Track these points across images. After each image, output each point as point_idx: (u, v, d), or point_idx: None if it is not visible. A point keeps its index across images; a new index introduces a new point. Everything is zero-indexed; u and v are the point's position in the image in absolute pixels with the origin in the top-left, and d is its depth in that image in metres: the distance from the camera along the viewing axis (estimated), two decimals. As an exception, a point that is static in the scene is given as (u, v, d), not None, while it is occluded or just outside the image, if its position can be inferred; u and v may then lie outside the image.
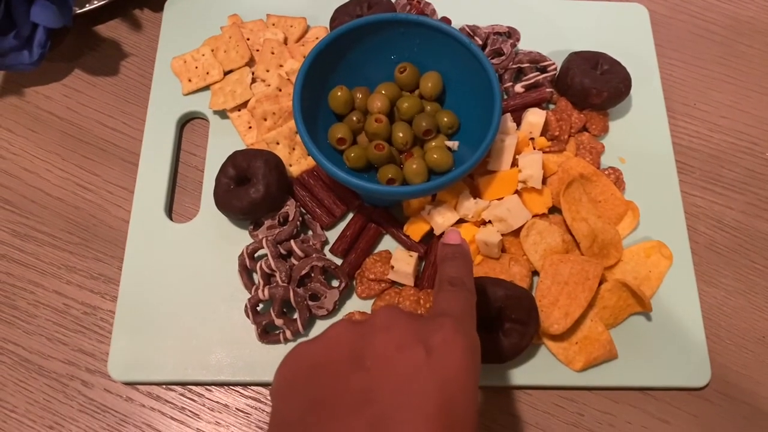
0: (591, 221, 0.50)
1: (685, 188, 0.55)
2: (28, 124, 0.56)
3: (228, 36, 0.57)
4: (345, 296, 0.49)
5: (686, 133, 0.58)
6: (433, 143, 0.49)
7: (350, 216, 0.51)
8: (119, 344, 0.47)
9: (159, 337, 0.47)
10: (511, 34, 0.58)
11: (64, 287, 0.50)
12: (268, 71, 0.55)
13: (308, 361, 0.31)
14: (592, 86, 0.52)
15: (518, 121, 0.53)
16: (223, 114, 0.55)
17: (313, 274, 0.47)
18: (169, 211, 0.53)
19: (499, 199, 0.49)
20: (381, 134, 0.47)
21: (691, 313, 0.49)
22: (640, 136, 0.56)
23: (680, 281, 0.50)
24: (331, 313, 0.47)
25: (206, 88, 0.56)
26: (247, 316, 0.47)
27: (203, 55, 0.56)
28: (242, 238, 0.50)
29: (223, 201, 0.49)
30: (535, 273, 0.49)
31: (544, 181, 0.51)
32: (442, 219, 0.48)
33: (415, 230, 0.49)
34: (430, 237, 0.49)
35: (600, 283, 0.47)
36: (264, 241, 0.48)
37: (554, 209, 0.51)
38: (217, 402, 0.47)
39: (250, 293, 0.47)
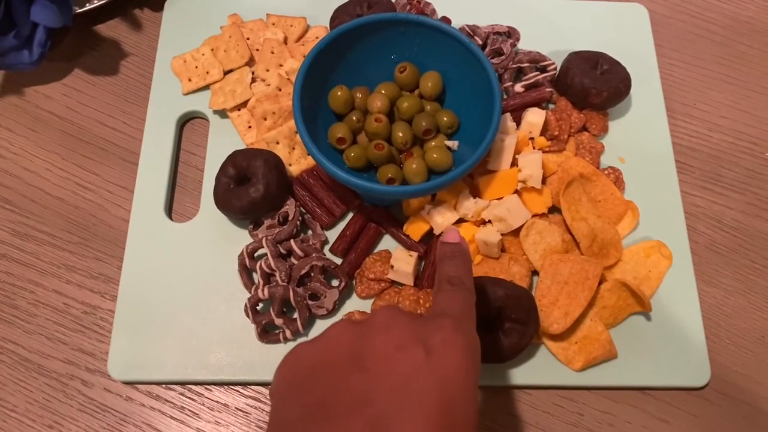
0: (591, 221, 0.50)
1: (685, 188, 0.55)
2: (28, 124, 0.56)
3: (228, 35, 0.57)
4: (345, 296, 0.49)
5: (686, 132, 0.58)
6: (433, 143, 0.49)
7: (350, 215, 0.51)
8: (119, 344, 0.47)
9: (159, 337, 0.47)
10: (511, 33, 0.58)
11: (64, 287, 0.50)
12: (268, 71, 0.55)
13: (308, 362, 0.31)
14: (591, 86, 0.52)
15: (518, 121, 0.53)
16: (223, 113, 0.55)
17: (312, 274, 0.47)
18: (169, 211, 0.53)
19: (498, 199, 0.49)
20: (381, 134, 0.47)
21: (691, 312, 0.50)
22: (639, 136, 0.56)
23: (680, 281, 0.50)
24: (331, 312, 0.47)
25: (206, 87, 0.56)
26: (247, 316, 0.47)
27: (203, 54, 0.56)
28: (242, 238, 0.50)
29: (222, 200, 0.49)
30: (535, 273, 0.49)
31: (543, 181, 0.51)
32: (441, 219, 0.48)
33: (415, 230, 0.49)
34: (429, 237, 0.49)
35: (600, 283, 0.47)
36: (264, 240, 0.48)
37: (554, 209, 0.51)
38: (217, 401, 0.47)
39: (250, 293, 0.47)
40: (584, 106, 0.55)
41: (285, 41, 0.57)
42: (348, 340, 0.31)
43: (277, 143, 0.52)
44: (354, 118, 0.49)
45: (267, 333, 0.47)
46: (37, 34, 0.54)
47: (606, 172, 0.53)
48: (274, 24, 0.58)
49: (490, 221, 0.49)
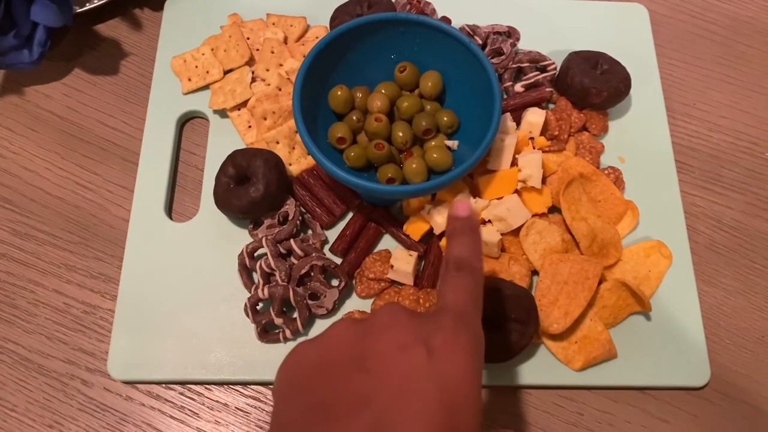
0: (590, 221, 0.50)
1: (685, 188, 0.55)
2: (28, 123, 0.56)
3: (228, 35, 0.57)
4: (344, 295, 0.49)
5: (686, 132, 0.58)
6: (433, 143, 0.49)
7: (350, 215, 0.51)
8: (119, 343, 0.47)
9: (159, 336, 0.47)
10: (511, 33, 0.58)
11: (64, 286, 0.50)
12: (268, 70, 0.55)
13: (309, 362, 0.31)
14: (591, 86, 0.53)
15: (518, 121, 0.53)
16: (222, 113, 0.55)
17: (312, 273, 0.47)
18: (169, 211, 0.53)
19: (498, 199, 0.49)
20: (381, 133, 0.47)
21: (691, 312, 0.50)
22: (639, 136, 0.56)
23: (680, 281, 0.50)
24: (331, 312, 0.47)
25: (206, 87, 0.56)
26: (247, 315, 0.47)
27: (203, 54, 0.56)
28: (242, 238, 0.50)
29: (222, 200, 0.49)
30: (535, 272, 0.49)
31: (543, 181, 0.51)
32: (441, 218, 0.48)
33: (415, 229, 0.49)
34: (429, 236, 0.49)
35: (599, 283, 0.47)
36: (264, 240, 0.48)
37: (554, 209, 0.51)
38: (217, 401, 0.47)
39: (250, 292, 0.47)
40: (584, 106, 0.55)
41: (285, 41, 0.57)
42: (349, 340, 0.31)
43: (277, 143, 0.52)
44: (354, 117, 0.49)
45: (267, 332, 0.47)
46: (37, 34, 0.54)
47: (606, 171, 0.53)
48: (274, 24, 0.58)
49: (490, 221, 0.49)
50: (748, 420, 0.48)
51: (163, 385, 0.47)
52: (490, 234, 0.47)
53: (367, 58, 0.50)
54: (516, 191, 0.50)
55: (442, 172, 0.47)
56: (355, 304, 0.49)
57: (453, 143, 0.49)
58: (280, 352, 0.47)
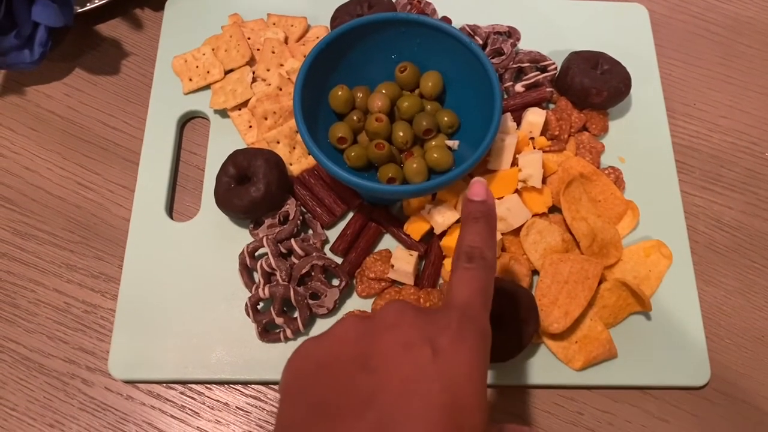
0: (591, 220, 0.50)
1: (685, 188, 0.55)
2: (29, 123, 0.56)
3: (229, 35, 0.57)
4: (345, 295, 0.49)
5: (686, 132, 0.58)
6: (434, 142, 0.49)
7: (350, 215, 0.51)
8: (120, 343, 0.47)
9: (159, 336, 0.47)
10: (512, 33, 0.58)
11: (65, 286, 0.50)
12: (268, 70, 0.55)
13: (314, 360, 0.31)
14: (592, 86, 0.53)
15: (518, 121, 0.53)
16: (223, 113, 0.55)
17: (313, 273, 0.47)
18: (170, 210, 0.53)
19: (499, 199, 0.49)
20: (381, 133, 0.47)
21: (691, 312, 0.50)
22: (639, 136, 0.56)
23: (680, 280, 0.51)
24: (332, 311, 0.47)
25: (207, 87, 0.56)
26: (248, 315, 0.47)
27: (204, 54, 0.56)
28: (243, 237, 0.50)
29: (223, 200, 0.49)
30: (535, 272, 0.49)
31: (544, 181, 0.51)
32: (442, 218, 0.48)
33: (416, 229, 0.49)
34: (430, 236, 0.49)
35: (600, 283, 0.47)
36: (264, 239, 0.48)
37: (554, 208, 0.51)
38: (218, 400, 0.47)
39: (251, 292, 0.47)
40: (584, 106, 0.55)
41: (286, 41, 0.57)
42: (354, 338, 0.30)
43: (278, 143, 0.52)
44: (354, 117, 0.49)
45: (267, 332, 0.47)
46: (38, 34, 0.54)
47: (606, 171, 0.53)
48: (274, 24, 0.58)
49: (490, 221, 0.49)
50: (748, 420, 0.48)
51: (164, 385, 0.47)
52: (490, 234, 0.47)
53: (368, 58, 0.50)
54: (516, 191, 0.50)
55: (442, 172, 0.47)
56: (355, 303, 0.49)
57: (453, 143, 0.49)
58: (280, 351, 0.47)
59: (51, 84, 0.58)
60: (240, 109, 0.55)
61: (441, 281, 0.49)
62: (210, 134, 0.55)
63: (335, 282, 0.48)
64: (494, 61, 0.56)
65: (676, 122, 0.58)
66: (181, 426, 0.46)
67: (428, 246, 0.49)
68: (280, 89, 0.54)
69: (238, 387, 0.47)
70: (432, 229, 0.49)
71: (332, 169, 0.44)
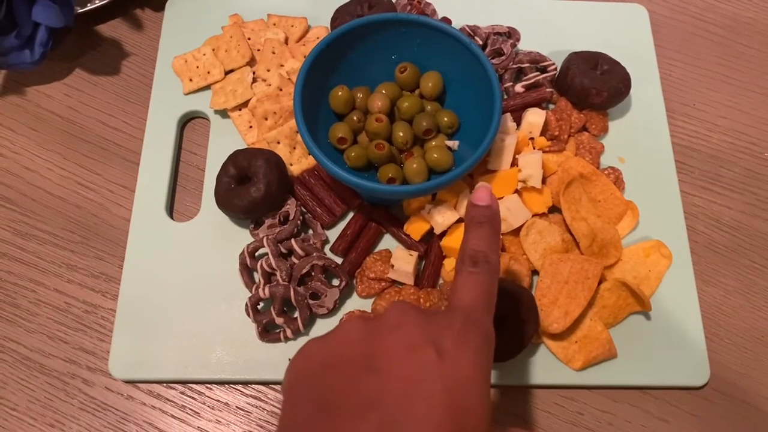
0: (590, 221, 0.50)
1: (685, 188, 0.55)
2: (30, 123, 0.56)
3: (229, 35, 0.57)
4: (345, 295, 0.49)
5: (685, 133, 0.58)
6: (434, 143, 0.49)
7: (350, 215, 0.51)
8: (120, 342, 0.47)
9: (160, 336, 0.47)
10: (511, 34, 0.58)
11: (65, 286, 0.50)
12: (269, 71, 0.55)
13: (317, 360, 0.31)
14: (591, 86, 0.53)
15: (518, 121, 0.53)
16: (223, 113, 0.55)
17: (313, 273, 0.47)
18: (170, 210, 0.53)
19: (499, 199, 0.49)
20: (381, 134, 0.48)
21: (691, 312, 0.50)
22: (639, 136, 0.56)
23: (679, 281, 0.51)
24: (332, 311, 0.47)
25: (207, 87, 0.56)
26: (248, 315, 0.47)
27: (204, 54, 0.56)
28: (243, 237, 0.50)
29: (224, 200, 0.49)
30: (535, 272, 0.49)
31: (543, 181, 0.51)
32: (442, 218, 0.48)
33: (416, 229, 0.49)
34: (430, 236, 0.49)
35: (599, 283, 0.47)
36: (265, 239, 0.48)
37: (554, 209, 0.51)
38: (218, 400, 0.47)
39: (251, 292, 0.47)
40: (584, 107, 0.55)
41: (286, 41, 0.57)
42: (358, 339, 0.30)
43: (278, 143, 0.52)
44: (355, 117, 0.49)
45: (268, 332, 0.47)
46: (38, 34, 0.54)
47: (606, 172, 0.53)
48: (275, 24, 0.58)
49: (490, 221, 0.49)
50: (747, 420, 0.48)
51: (164, 385, 0.47)
52: (490, 234, 0.47)
53: (368, 58, 0.50)
54: (516, 191, 0.50)
55: (442, 172, 0.47)
56: (355, 303, 0.49)
57: (453, 143, 0.49)
58: (280, 351, 0.47)
59: (51, 84, 0.58)
60: (240, 110, 0.55)
61: (441, 281, 0.49)
62: (210, 134, 0.55)
63: (335, 282, 0.48)
64: (494, 61, 0.56)
65: (676, 122, 0.58)
66: (182, 426, 0.46)
67: (428, 246, 0.49)
68: (281, 89, 0.54)
69: (239, 387, 0.47)
70: (432, 229, 0.49)
71: (332, 170, 0.44)
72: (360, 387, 0.29)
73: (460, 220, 0.49)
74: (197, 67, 0.56)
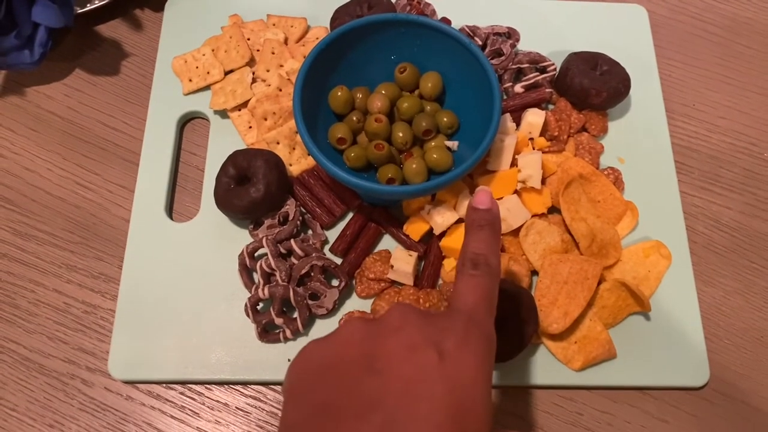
0: (590, 221, 0.50)
1: (684, 188, 0.55)
2: (29, 124, 0.56)
3: (228, 36, 0.57)
4: (345, 295, 0.49)
5: (685, 133, 0.58)
6: (433, 143, 0.49)
7: (350, 215, 0.51)
8: (119, 343, 0.47)
9: (159, 336, 0.47)
10: (511, 34, 0.58)
11: (65, 286, 0.50)
12: (268, 71, 0.55)
13: (318, 361, 0.31)
14: (591, 87, 0.53)
15: (518, 121, 0.53)
16: (223, 114, 0.55)
17: (312, 274, 0.47)
18: (170, 211, 0.53)
19: (498, 199, 0.49)
20: (381, 134, 0.48)
21: (690, 312, 0.50)
22: (639, 137, 0.56)
23: (679, 281, 0.51)
24: (331, 312, 0.47)
25: (207, 87, 0.56)
26: (247, 315, 0.47)
27: (204, 54, 0.56)
28: (242, 238, 0.50)
29: (223, 200, 0.49)
30: (535, 272, 0.49)
31: (543, 181, 0.51)
32: (441, 218, 0.48)
33: (415, 230, 0.49)
34: (429, 236, 0.49)
35: (599, 283, 0.47)
36: (264, 240, 0.48)
37: (553, 209, 0.51)
38: (217, 401, 0.47)
39: (250, 292, 0.47)
40: (584, 107, 0.55)
41: (285, 42, 0.57)
42: (360, 340, 0.30)
43: (278, 143, 0.52)
44: (354, 118, 0.49)
45: (267, 332, 0.47)
46: (38, 34, 0.54)
47: (605, 172, 0.53)
48: (274, 24, 0.58)
49: (489, 221, 0.49)
50: (747, 420, 0.48)
51: (164, 385, 0.47)
52: (489, 234, 0.47)
53: (368, 58, 0.50)
54: (516, 191, 0.50)
55: (442, 173, 0.47)
56: (355, 304, 0.49)
57: (453, 144, 0.49)
58: (280, 352, 0.47)
59: (51, 84, 0.58)
60: (240, 110, 0.55)
61: (440, 282, 0.49)
62: (210, 135, 0.55)
63: (335, 282, 0.48)
64: (493, 61, 0.56)
65: (676, 123, 0.58)
66: (181, 426, 0.46)
67: (428, 246, 0.49)
68: (280, 90, 0.54)
69: (238, 387, 0.47)
70: (431, 229, 0.49)
71: (332, 170, 0.44)
72: (361, 388, 0.28)
73: (459, 221, 0.49)
74: (197, 67, 0.56)
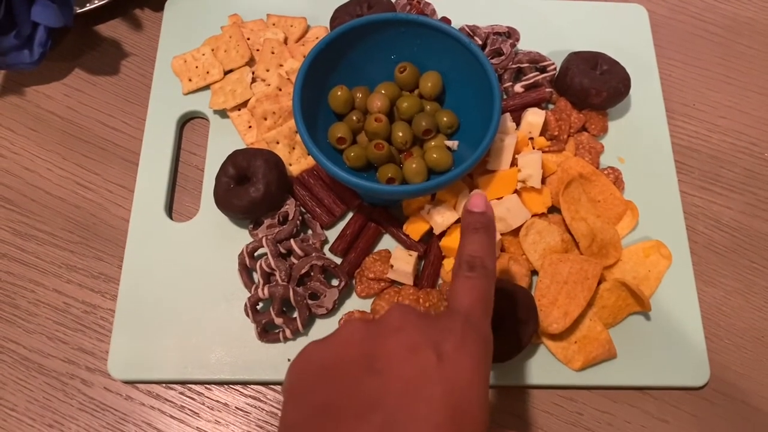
0: (590, 221, 0.50)
1: (684, 188, 0.55)
2: (29, 124, 0.56)
3: (228, 35, 0.57)
4: (344, 295, 0.49)
5: (685, 133, 0.58)
6: (433, 143, 0.49)
7: (350, 215, 0.51)
8: (119, 343, 0.47)
9: (159, 336, 0.47)
10: (511, 34, 0.58)
11: (65, 286, 0.50)
12: (268, 71, 0.55)
13: (318, 362, 0.31)
14: (591, 86, 0.53)
15: (518, 121, 0.53)
16: (223, 113, 0.55)
17: (312, 273, 0.47)
18: (170, 210, 0.53)
19: (498, 199, 0.49)
20: (381, 134, 0.48)
21: (690, 312, 0.50)
22: (639, 136, 0.56)
23: (679, 281, 0.51)
24: (331, 312, 0.47)
25: (206, 87, 0.56)
26: (247, 315, 0.47)
27: (203, 54, 0.56)
28: (242, 237, 0.50)
29: (223, 200, 0.49)
30: (535, 272, 0.49)
31: (543, 181, 0.51)
32: (441, 218, 0.48)
33: (415, 229, 0.49)
34: (429, 236, 0.49)
35: (599, 283, 0.47)
36: (264, 240, 0.48)
37: (553, 209, 0.51)
38: (217, 401, 0.47)
39: (250, 292, 0.47)
40: (584, 107, 0.55)
41: (285, 41, 0.57)
42: (359, 340, 0.30)
43: (277, 143, 0.52)
44: (354, 117, 0.49)
45: (267, 332, 0.47)
46: (37, 34, 0.54)
47: (605, 172, 0.53)
48: (274, 24, 0.58)
49: (489, 221, 0.49)
50: (747, 420, 0.48)
51: (163, 385, 0.47)
52: (489, 234, 0.47)
53: (367, 58, 0.50)
54: (516, 191, 0.50)
55: (441, 172, 0.47)
56: (355, 303, 0.49)
57: (453, 143, 0.49)
58: (280, 351, 0.47)
59: (51, 84, 0.58)
60: (239, 110, 0.55)
61: (440, 281, 0.49)
62: (209, 134, 0.55)
63: (334, 282, 0.48)
64: (493, 61, 0.56)
65: (676, 122, 0.58)
66: (181, 426, 0.46)
67: (427, 246, 0.49)
68: (280, 89, 0.54)
69: (238, 387, 0.47)
70: (431, 229, 0.49)
71: (331, 170, 0.44)
72: (361, 388, 0.29)
73: (459, 220, 0.49)
74: (196, 67, 0.56)
